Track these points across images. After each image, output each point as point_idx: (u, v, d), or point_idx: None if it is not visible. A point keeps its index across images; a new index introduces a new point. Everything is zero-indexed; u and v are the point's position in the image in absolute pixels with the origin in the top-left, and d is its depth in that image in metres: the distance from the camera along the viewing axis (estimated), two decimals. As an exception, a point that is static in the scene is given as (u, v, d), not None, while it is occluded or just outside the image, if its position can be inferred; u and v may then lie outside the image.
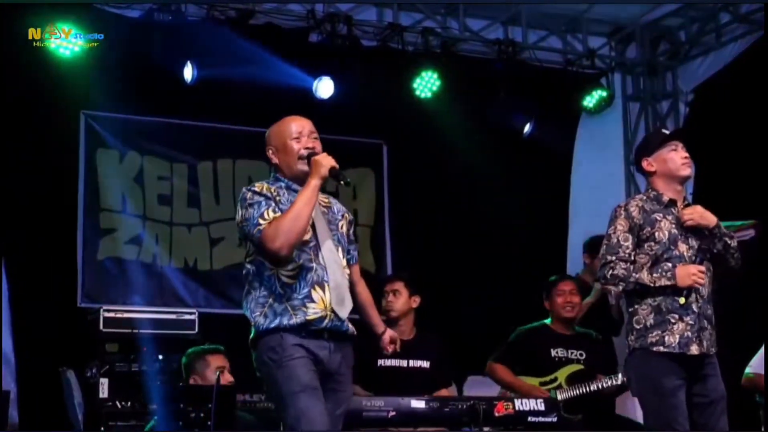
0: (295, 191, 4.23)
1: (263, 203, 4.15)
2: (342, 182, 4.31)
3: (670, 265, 4.78)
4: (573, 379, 6.55)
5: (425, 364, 6.40)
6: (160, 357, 6.12)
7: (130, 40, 7.57)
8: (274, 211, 4.14)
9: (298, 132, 4.30)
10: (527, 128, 8.93)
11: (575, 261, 9.01)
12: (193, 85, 7.70)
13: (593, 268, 7.65)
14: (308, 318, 4.11)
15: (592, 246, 7.83)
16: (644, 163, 5.02)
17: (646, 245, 4.84)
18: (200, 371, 5.78)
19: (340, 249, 4.30)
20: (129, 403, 5.78)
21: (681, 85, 9.46)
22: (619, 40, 9.49)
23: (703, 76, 9.15)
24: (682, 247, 4.85)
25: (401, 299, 6.40)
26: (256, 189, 4.22)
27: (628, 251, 4.83)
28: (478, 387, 7.36)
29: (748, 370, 6.40)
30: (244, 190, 4.26)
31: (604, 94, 9.15)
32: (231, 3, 7.99)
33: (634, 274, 4.77)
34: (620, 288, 4.82)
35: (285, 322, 4.11)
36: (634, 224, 4.86)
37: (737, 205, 8.21)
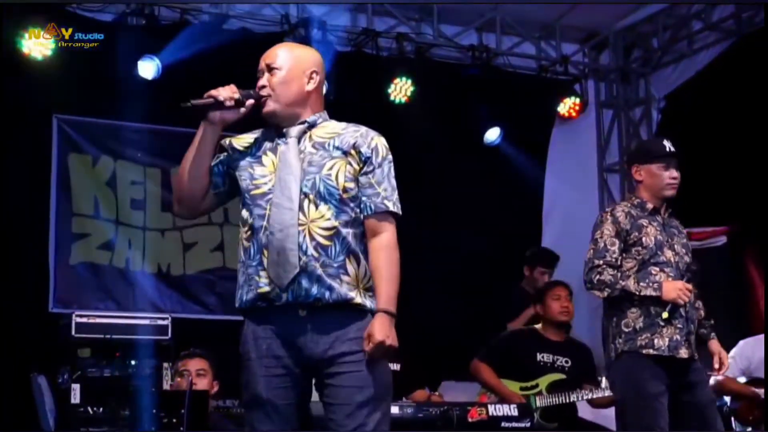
0: (274, 131, 3.61)
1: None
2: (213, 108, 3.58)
3: (658, 277, 4.85)
4: (554, 388, 6.55)
5: (396, 366, 6.40)
6: (133, 362, 6.09)
7: (103, 44, 7.53)
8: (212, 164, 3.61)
9: (259, 68, 3.70)
10: (500, 134, 8.95)
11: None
12: (164, 88, 7.68)
13: (531, 280, 7.73)
14: (259, 290, 3.42)
15: (533, 258, 7.92)
16: (633, 170, 5.11)
17: (633, 250, 4.90)
18: (177, 376, 5.77)
19: (310, 198, 3.45)
20: (101, 409, 5.73)
21: (654, 91, 9.52)
22: (592, 46, 9.54)
23: (675, 83, 9.21)
24: (668, 253, 4.93)
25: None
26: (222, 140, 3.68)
27: (614, 256, 4.89)
28: (451, 392, 7.36)
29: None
30: None
31: (578, 100, 9.19)
32: (204, 6, 7.98)
33: (620, 281, 4.83)
34: (605, 294, 4.87)
35: (244, 297, 3.47)
36: (621, 229, 4.92)
37: (709, 210, 8.29)
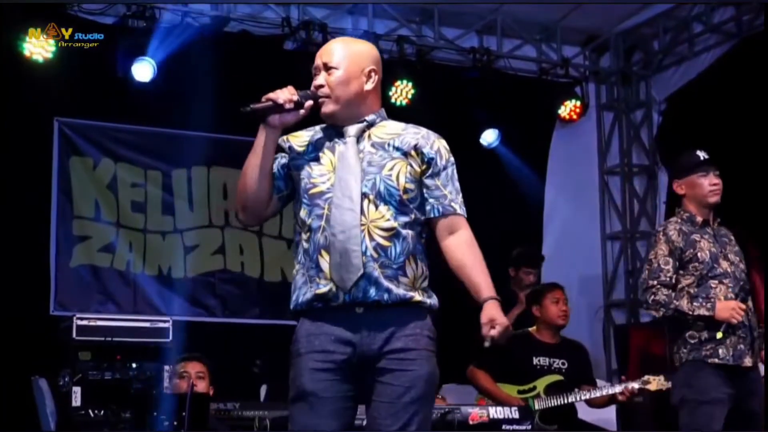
0: (332, 129, 3.55)
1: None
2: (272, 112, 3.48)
3: (717, 290, 4.96)
4: (552, 390, 6.55)
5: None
6: (134, 365, 6.08)
7: (104, 46, 7.54)
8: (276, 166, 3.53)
9: (314, 66, 3.61)
10: (498, 136, 8.95)
11: (550, 268, 9.03)
12: (165, 90, 7.68)
13: (517, 280, 7.74)
14: (318, 292, 3.38)
15: (518, 258, 7.92)
16: (675, 185, 5.22)
17: (690, 266, 5.02)
18: (176, 378, 5.77)
19: (370, 198, 3.42)
20: (102, 412, 5.73)
21: (654, 94, 9.52)
22: (593, 49, 9.54)
23: (676, 85, 9.21)
24: (724, 264, 5.04)
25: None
26: (280, 139, 3.56)
27: (669, 275, 5.01)
28: (452, 395, 7.35)
29: None
30: None
31: (578, 102, 9.19)
32: (205, 9, 7.99)
33: (674, 301, 4.94)
34: (660, 313, 5.00)
35: (300, 298, 3.42)
36: (674, 248, 5.03)
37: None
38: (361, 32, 8.43)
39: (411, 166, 3.50)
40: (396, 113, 8.86)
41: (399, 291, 3.40)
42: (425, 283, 3.53)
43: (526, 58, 9.25)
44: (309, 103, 3.48)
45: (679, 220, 5.13)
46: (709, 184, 5.12)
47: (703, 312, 4.91)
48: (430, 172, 3.54)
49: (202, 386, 5.74)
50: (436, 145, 3.60)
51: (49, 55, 7.23)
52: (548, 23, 9.13)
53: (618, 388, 6.41)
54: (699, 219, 5.11)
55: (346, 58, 3.53)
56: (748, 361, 4.94)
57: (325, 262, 3.38)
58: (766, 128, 7.60)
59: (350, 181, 3.42)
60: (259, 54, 8.00)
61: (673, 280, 5.02)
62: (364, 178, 3.43)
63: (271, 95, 3.45)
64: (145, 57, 7.56)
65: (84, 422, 5.70)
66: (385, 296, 3.38)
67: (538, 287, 7.01)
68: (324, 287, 3.38)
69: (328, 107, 3.51)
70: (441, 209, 3.55)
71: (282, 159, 3.56)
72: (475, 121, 8.93)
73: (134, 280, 7.98)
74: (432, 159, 3.55)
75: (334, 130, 3.54)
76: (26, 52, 7.19)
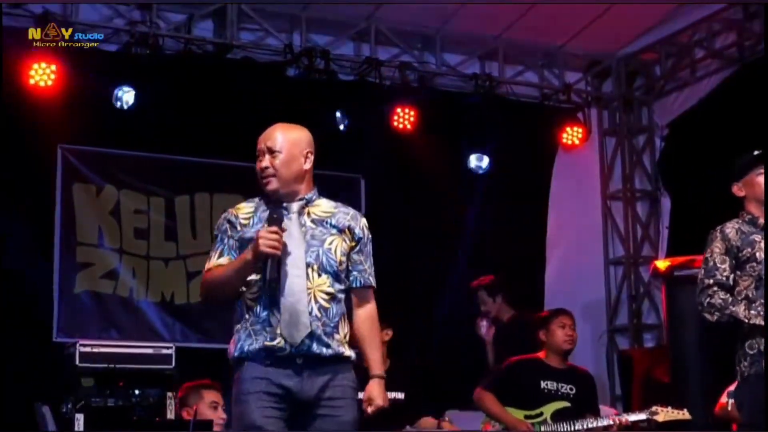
0: (276, 203, 4.01)
1: (218, 241, 4.06)
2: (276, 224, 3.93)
3: None
4: (559, 416, 6.53)
5: (400, 395, 6.38)
6: (137, 392, 6.08)
7: (108, 74, 7.58)
8: (222, 254, 4.02)
9: (258, 149, 4.07)
10: (502, 162, 8.97)
11: (553, 293, 9.04)
12: (169, 117, 7.72)
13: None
14: (266, 344, 3.88)
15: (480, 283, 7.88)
16: (734, 188, 4.93)
17: (747, 266, 4.70)
18: (194, 405, 5.74)
19: (314, 268, 3.96)
20: (104, 439, 5.73)
21: (656, 119, 9.53)
22: (595, 74, 9.57)
23: (678, 110, 9.22)
24: None
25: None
26: (227, 213, 4.09)
27: (725, 274, 4.70)
28: (456, 421, 7.33)
29: (726, 398, 6.33)
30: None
31: (580, 128, 9.21)
32: (208, 37, 8.04)
33: (731, 307, 4.62)
34: (715, 318, 4.65)
35: (246, 347, 3.92)
36: (731, 246, 4.74)
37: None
38: (363, 58, 8.47)
39: (345, 242, 4.07)
40: (398, 139, 8.93)
41: (334, 346, 3.95)
42: (347, 338, 4.06)
43: (528, 83, 9.29)
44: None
45: (740, 221, 4.85)
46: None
47: (759, 321, 4.55)
48: (357, 248, 4.12)
49: (217, 416, 5.71)
50: (362, 224, 4.17)
51: (52, 83, 7.27)
52: (550, 49, 9.16)
53: (606, 421, 6.39)
54: (761, 221, 4.79)
55: (287, 142, 4.05)
56: None
57: (275, 319, 3.89)
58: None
59: (297, 252, 3.95)
60: (262, 81, 8.03)
61: (731, 281, 4.69)
62: (308, 249, 3.97)
63: (271, 249, 3.86)
64: (128, 85, 7.58)
65: (87, 449, 5.70)
66: (324, 350, 3.92)
67: (548, 312, 6.99)
68: (272, 341, 3.89)
69: (273, 185, 4.02)
70: (362, 281, 4.14)
71: (231, 239, 4.05)
72: (477, 146, 8.95)
73: (137, 306, 7.98)
74: (360, 238, 4.13)
75: (274, 204, 4.03)
76: (29, 80, 7.22)
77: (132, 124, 7.83)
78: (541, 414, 6.53)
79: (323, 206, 4.11)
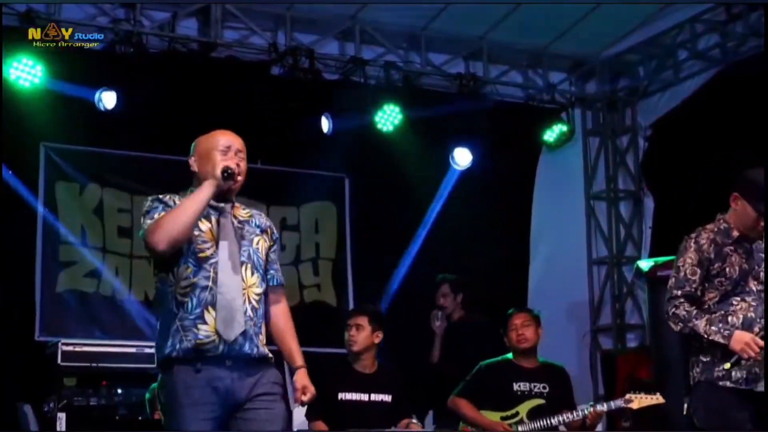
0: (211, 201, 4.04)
1: (159, 208, 3.99)
2: (230, 179, 4.02)
3: (738, 307, 4.74)
4: (534, 414, 6.55)
5: (387, 397, 6.38)
6: (120, 391, 6.06)
7: (92, 72, 7.55)
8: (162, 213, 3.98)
9: (225, 146, 4.10)
10: (486, 162, 8.98)
11: (536, 293, 9.05)
12: (151, 116, 7.69)
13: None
14: (198, 341, 3.85)
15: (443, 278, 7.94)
16: (733, 197, 4.90)
17: (716, 281, 4.79)
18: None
19: (247, 267, 4.01)
20: (87, 438, 5.71)
21: (640, 119, 9.56)
22: (579, 75, 9.59)
23: (661, 111, 9.25)
24: (752, 283, 4.80)
25: (364, 333, 6.36)
26: (158, 196, 4.07)
27: (694, 286, 4.78)
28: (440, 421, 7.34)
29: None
30: (147, 198, 4.10)
31: (565, 128, 9.23)
32: (193, 35, 8.02)
33: (694, 320, 4.71)
34: (678, 328, 4.78)
35: (177, 345, 3.85)
36: (703, 258, 4.80)
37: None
38: (348, 57, 8.46)
39: (266, 242, 4.14)
40: (383, 138, 8.93)
41: (261, 348, 3.98)
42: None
43: (513, 83, 9.30)
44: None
45: (715, 229, 4.89)
46: (762, 219, 4.82)
47: (718, 338, 4.66)
48: (274, 247, 4.18)
49: None
50: (274, 226, 4.26)
51: (36, 81, 7.24)
52: (535, 49, 9.17)
53: (581, 413, 6.40)
54: (735, 233, 4.84)
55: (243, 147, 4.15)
56: (761, 386, 4.67)
57: (210, 316, 3.87)
58: (751, 152, 7.63)
59: (234, 250, 3.99)
60: (247, 79, 8.01)
61: (699, 293, 4.79)
62: (240, 248, 4.01)
63: (233, 166, 4.02)
64: (110, 87, 7.57)
65: (69, 449, 5.68)
66: (254, 350, 3.94)
67: (507, 314, 6.99)
68: (206, 338, 3.86)
69: (237, 184, 4.07)
70: (278, 279, 4.18)
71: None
72: (461, 146, 8.96)
73: (120, 305, 7.95)
74: (276, 238, 4.22)
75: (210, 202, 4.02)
76: (12, 78, 7.19)
77: (115, 122, 7.80)
78: (517, 414, 6.54)
79: (241, 208, 4.17)
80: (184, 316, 3.88)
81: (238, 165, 4.05)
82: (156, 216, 3.93)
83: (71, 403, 5.89)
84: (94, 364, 6.16)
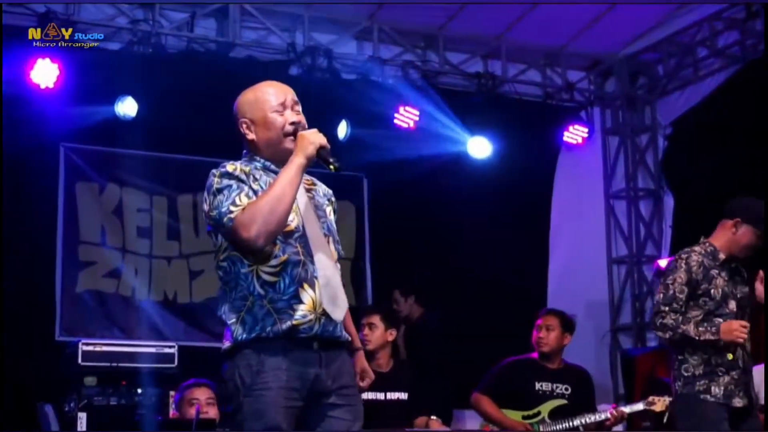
0: (275, 173, 3.53)
1: (235, 187, 3.46)
2: (331, 166, 3.55)
3: (720, 320, 5.06)
4: (556, 414, 6.53)
5: (403, 395, 6.37)
6: (139, 391, 6.08)
7: (110, 73, 7.57)
8: (248, 196, 3.45)
9: (280, 103, 3.66)
10: (505, 161, 8.96)
11: (556, 292, 9.03)
12: (170, 116, 7.70)
13: None
14: (294, 322, 3.41)
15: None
16: (732, 223, 5.23)
17: (700, 300, 5.13)
18: (186, 405, 5.73)
19: (330, 239, 3.62)
20: (107, 438, 5.73)
21: (659, 118, 9.53)
22: (598, 74, 9.56)
23: (681, 109, 9.22)
24: (732, 304, 5.15)
25: (377, 332, 6.36)
26: (227, 170, 3.52)
27: (681, 303, 5.11)
28: (462, 421, 7.34)
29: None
30: (212, 171, 3.57)
31: (583, 127, 9.20)
32: (211, 35, 8.03)
33: (682, 326, 5.05)
34: (668, 336, 5.10)
35: (268, 328, 3.42)
36: (692, 278, 5.12)
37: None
38: (366, 57, 8.46)
39: (333, 211, 3.76)
40: (402, 137, 8.90)
41: (344, 331, 3.61)
42: None
43: (531, 82, 9.28)
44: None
45: (703, 252, 5.19)
46: (758, 245, 5.20)
47: (708, 336, 5.00)
48: (336, 217, 3.77)
49: (212, 412, 5.71)
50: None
51: (56, 81, 7.26)
52: (553, 48, 9.15)
53: (603, 415, 6.39)
54: (722, 256, 5.19)
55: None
56: (737, 402, 5.03)
57: (307, 295, 3.46)
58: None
59: (316, 222, 3.60)
60: (265, 79, 7.99)
61: (684, 309, 5.12)
62: (319, 220, 3.63)
63: (324, 140, 3.54)
64: (127, 95, 7.58)
65: (89, 448, 5.70)
66: (342, 333, 3.58)
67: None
68: (302, 318, 3.44)
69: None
70: (340, 253, 3.72)
71: (251, 190, 3.52)
72: (480, 145, 8.94)
73: (140, 305, 7.97)
74: (336, 207, 3.80)
75: (270, 171, 3.59)
76: (32, 79, 7.22)
77: (134, 123, 7.81)
78: (539, 413, 6.53)
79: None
80: (276, 297, 3.44)
81: (299, 122, 3.62)
82: (236, 198, 3.43)
83: (91, 403, 5.91)
84: (114, 364, 6.17)
